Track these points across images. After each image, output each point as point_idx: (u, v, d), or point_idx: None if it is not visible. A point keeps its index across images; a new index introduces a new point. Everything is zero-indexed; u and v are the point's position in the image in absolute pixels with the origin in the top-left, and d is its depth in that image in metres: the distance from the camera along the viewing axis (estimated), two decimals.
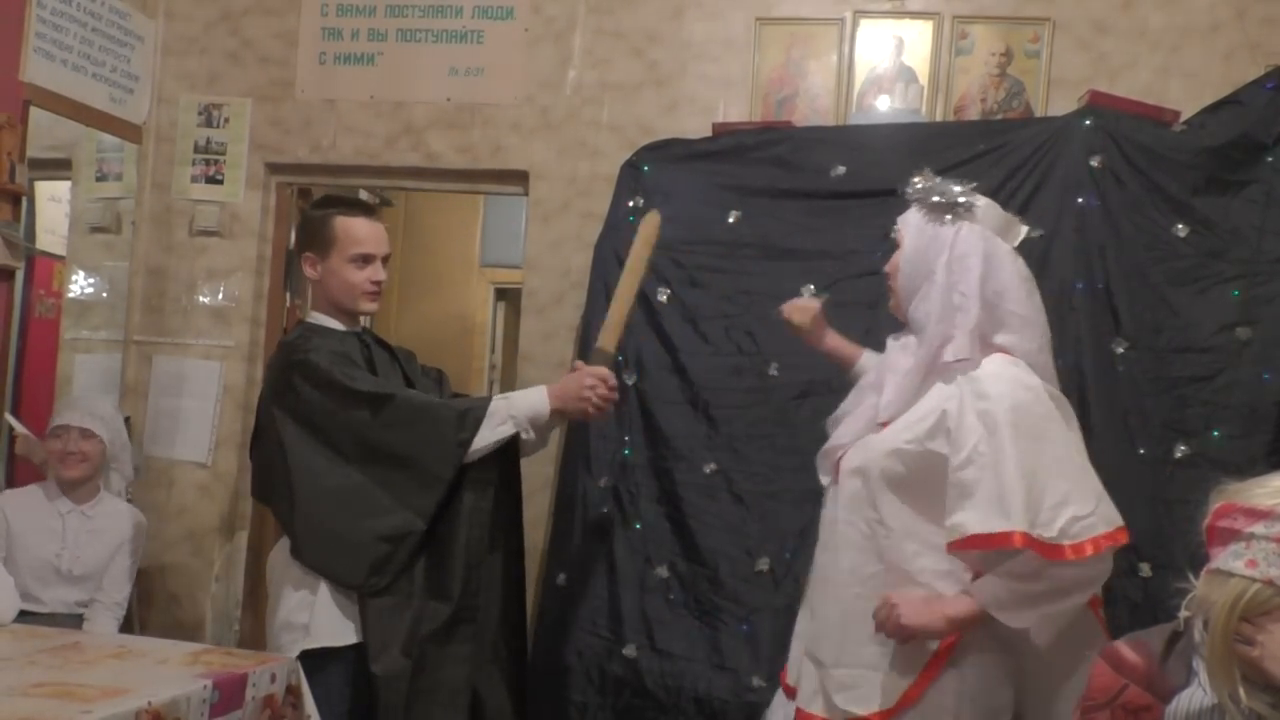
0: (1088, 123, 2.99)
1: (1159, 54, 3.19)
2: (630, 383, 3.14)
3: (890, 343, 2.31)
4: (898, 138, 3.15)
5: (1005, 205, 2.97)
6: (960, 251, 2.18)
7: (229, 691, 2.42)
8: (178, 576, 3.61)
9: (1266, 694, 1.65)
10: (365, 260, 2.58)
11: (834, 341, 2.60)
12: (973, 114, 3.27)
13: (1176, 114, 3.01)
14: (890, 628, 2.07)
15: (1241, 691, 1.65)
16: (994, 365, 2.14)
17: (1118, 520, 2.06)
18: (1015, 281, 2.21)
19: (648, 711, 2.94)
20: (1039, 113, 3.22)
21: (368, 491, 2.45)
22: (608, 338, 2.64)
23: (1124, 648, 1.88)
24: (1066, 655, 2.14)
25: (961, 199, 2.22)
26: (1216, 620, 1.66)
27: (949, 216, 2.22)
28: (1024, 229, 2.31)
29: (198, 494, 3.62)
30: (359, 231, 2.57)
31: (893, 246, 2.30)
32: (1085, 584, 2.08)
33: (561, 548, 3.14)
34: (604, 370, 2.56)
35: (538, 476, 3.38)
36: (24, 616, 2.88)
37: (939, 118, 3.28)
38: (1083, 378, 2.89)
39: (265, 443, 2.58)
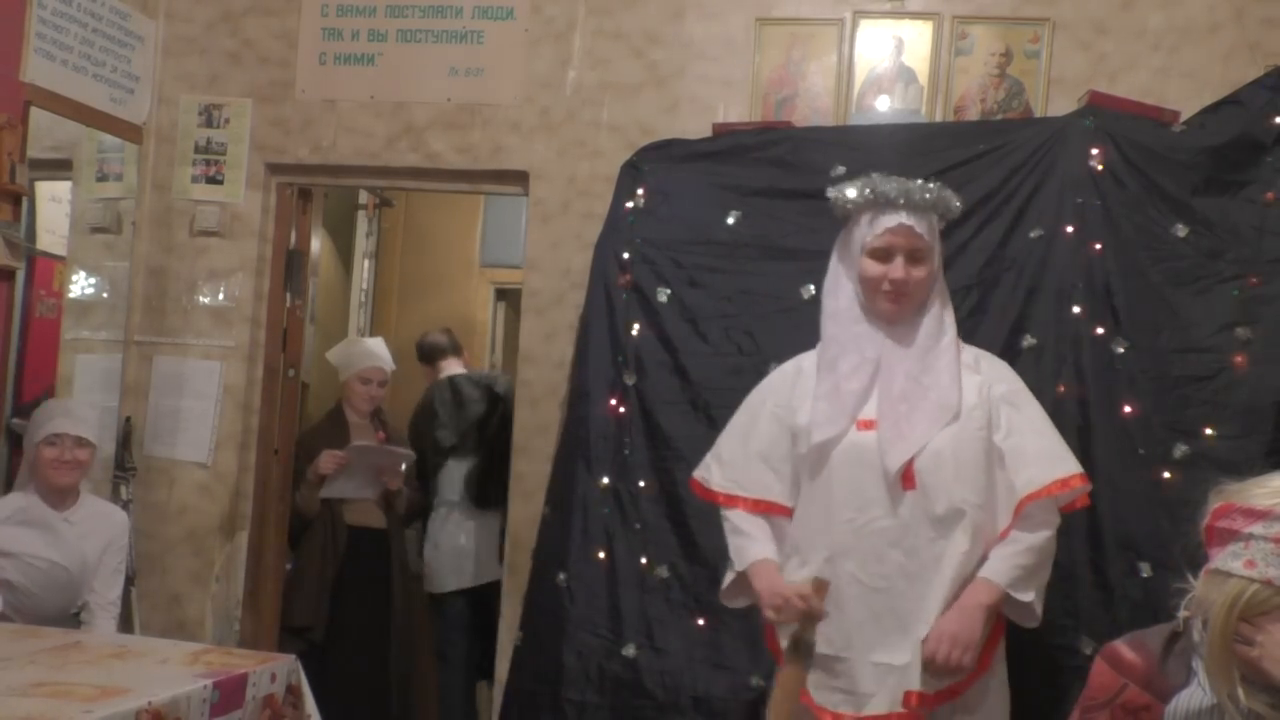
0: (1087, 123, 2.99)
1: (1159, 54, 3.19)
2: (630, 383, 3.15)
3: (877, 342, 2.44)
4: (898, 138, 3.15)
5: (1005, 205, 3.03)
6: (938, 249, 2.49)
7: (229, 691, 2.42)
8: (178, 576, 3.61)
9: (1266, 694, 1.65)
10: None
11: None
12: (973, 114, 3.27)
13: (1176, 114, 3.01)
14: (969, 657, 2.27)
15: (1240, 692, 1.65)
16: (978, 350, 2.53)
17: None
18: None
19: (647, 711, 2.95)
20: (1039, 113, 3.22)
21: None
22: None
23: (1123, 647, 1.88)
24: None
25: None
26: (1215, 620, 1.66)
27: (938, 219, 2.48)
28: None
29: (198, 494, 3.62)
30: None
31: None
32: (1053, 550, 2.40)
33: (561, 548, 3.13)
34: None
35: (537, 476, 3.39)
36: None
37: (939, 118, 3.28)
38: (1082, 377, 2.89)
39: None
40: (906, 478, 2.33)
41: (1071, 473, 2.37)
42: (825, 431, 2.38)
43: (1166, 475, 2.77)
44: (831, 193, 2.55)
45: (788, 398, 2.49)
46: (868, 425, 2.37)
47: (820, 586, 2.30)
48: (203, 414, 3.62)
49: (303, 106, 3.66)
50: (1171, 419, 2.84)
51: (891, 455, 2.33)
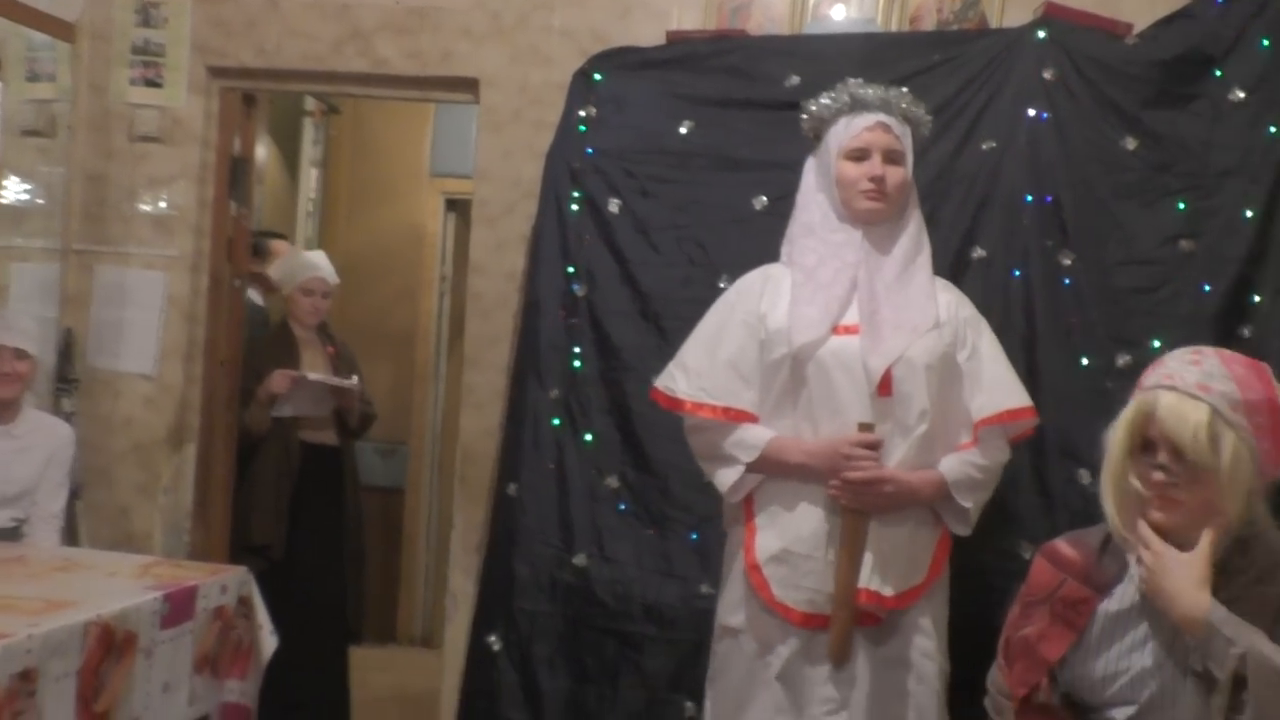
0: (1042, 35, 2.96)
1: None
2: (581, 294, 3.12)
3: (857, 247, 2.44)
4: (852, 48, 3.10)
5: (958, 117, 3.01)
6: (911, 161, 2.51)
7: (179, 603, 2.42)
8: (125, 489, 3.56)
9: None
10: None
11: None
12: (928, 25, 3.23)
13: (1129, 27, 2.99)
14: (872, 499, 2.31)
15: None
16: (938, 277, 2.53)
17: None
18: None
19: (598, 619, 2.98)
20: (994, 24, 3.17)
21: None
22: None
23: (1062, 544, 2.00)
24: None
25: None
26: (1110, 450, 1.89)
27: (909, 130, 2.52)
28: None
29: (143, 406, 3.56)
30: None
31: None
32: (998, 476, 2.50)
33: (512, 459, 3.14)
34: None
35: (488, 388, 3.37)
36: None
37: (894, 28, 3.24)
38: (1030, 289, 2.91)
39: None
40: (884, 384, 2.34)
41: (1022, 405, 2.46)
42: (807, 334, 2.36)
43: (1109, 385, 2.79)
44: (806, 106, 2.54)
45: (756, 305, 2.47)
46: (848, 330, 2.38)
47: (867, 426, 2.32)
48: (146, 325, 3.54)
49: (244, 7, 3.52)
50: (1115, 330, 2.86)
51: (874, 359, 2.33)
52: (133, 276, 3.56)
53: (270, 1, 3.51)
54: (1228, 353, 1.88)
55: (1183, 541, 1.80)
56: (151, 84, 3.55)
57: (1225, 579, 1.79)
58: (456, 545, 3.40)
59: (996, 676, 2.08)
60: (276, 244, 4.51)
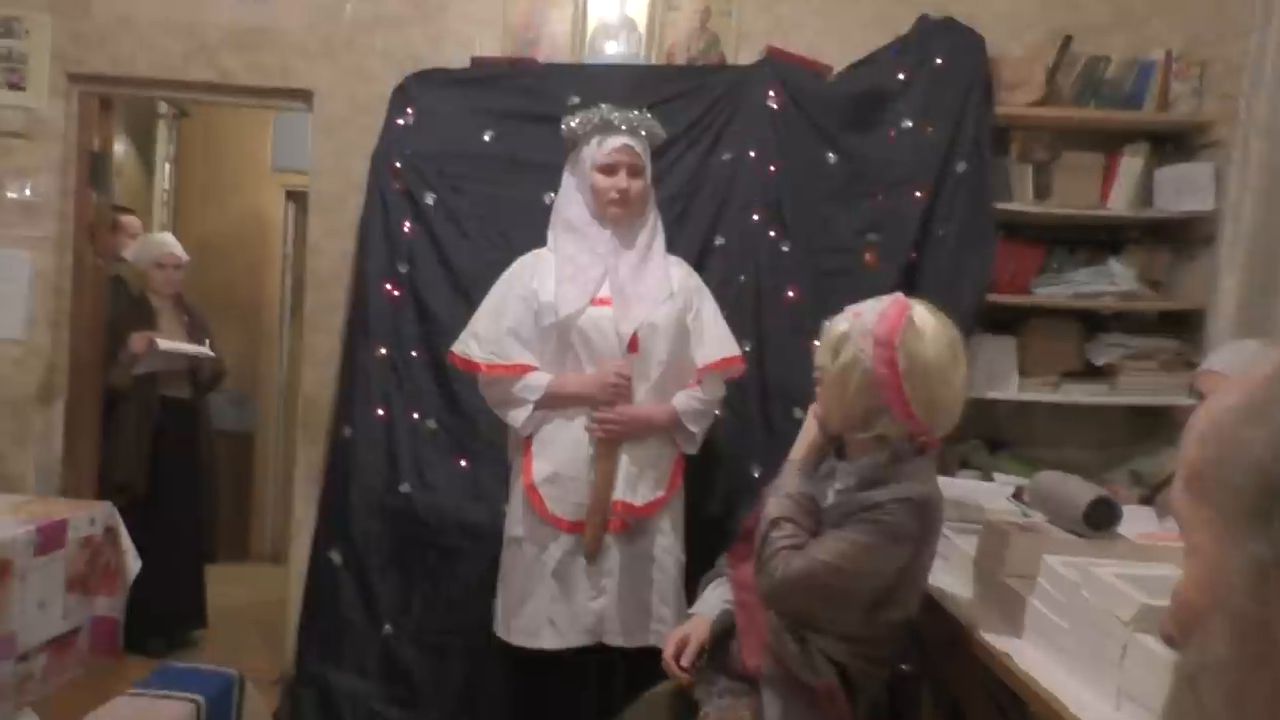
0: (766, 71, 3.15)
1: (820, 19, 3.35)
2: (404, 271, 3.13)
3: (606, 242, 2.54)
4: (621, 75, 3.21)
5: (705, 133, 3.16)
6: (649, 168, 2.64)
7: (51, 534, 2.34)
8: (1, 439, 3.35)
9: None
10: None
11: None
12: (680, 59, 3.35)
13: (830, 68, 3.21)
14: (615, 428, 2.46)
15: None
16: (671, 256, 2.68)
17: None
18: None
19: (422, 535, 3.02)
20: (731, 60, 3.33)
21: None
22: None
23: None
24: None
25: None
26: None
27: (649, 144, 2.62)
28: None
29: (14, 368, 3.36)
30: None
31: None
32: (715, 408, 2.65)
33: (346, 407, 3.14)
34: None
35: (326, 347, 3.34)
36: None
37: (654, 61, 3.35)
38: (759, 270, 3.09)
39: None
40: (632, 344, 2.49)
41: (734, 354, 2.65)
42: (570, 307, 2.49)
43: (816, 344, 3.01)
44: (566, 121, 2.61)
45: (530, 282, 2.57)
46: (602, 303, 2.51)
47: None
48: (16, 297, 3.33)
49: (100, 24, 3.32)
50: (821, 303, 3.02)
51: (624, 325, 2.48)
52: (2, 255, 3.34)
53: (123, 19, 3.33)
54: (907, 300, 1.90)
55: (849, 444, 1.93)
56: (15, 87, 3.32)
57: (867, 485, 1.81)
58: (300, 479, 3.37)
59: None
60: (126, 219, 4.29)
